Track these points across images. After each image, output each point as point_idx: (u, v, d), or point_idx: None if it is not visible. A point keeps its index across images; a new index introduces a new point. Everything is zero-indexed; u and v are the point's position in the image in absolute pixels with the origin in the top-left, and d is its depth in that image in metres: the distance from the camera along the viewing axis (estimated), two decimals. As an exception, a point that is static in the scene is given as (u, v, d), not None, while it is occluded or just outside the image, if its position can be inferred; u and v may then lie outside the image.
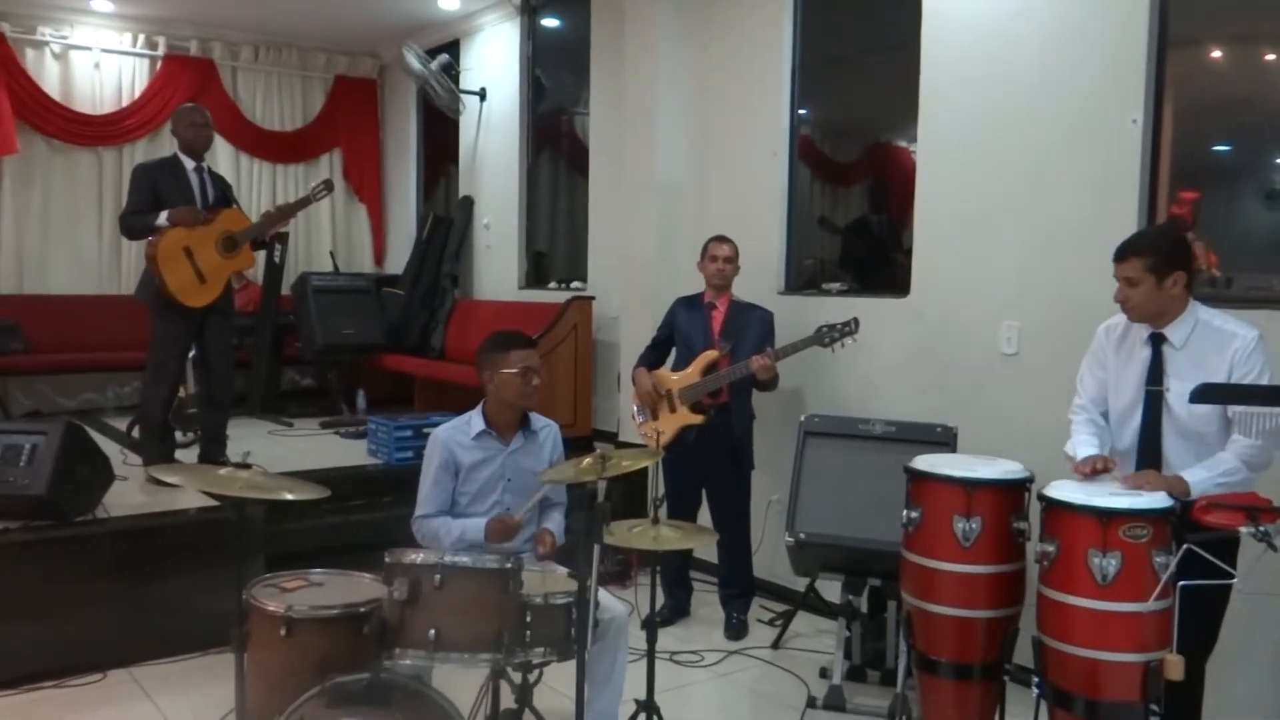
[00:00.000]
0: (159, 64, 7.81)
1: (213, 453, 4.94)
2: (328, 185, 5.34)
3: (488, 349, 3.26)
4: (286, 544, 4.33)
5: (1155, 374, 2.86)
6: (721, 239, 4.56)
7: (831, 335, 4.19)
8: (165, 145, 7.49)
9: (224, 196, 4.95)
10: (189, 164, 4.83)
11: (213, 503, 4.28)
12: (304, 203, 5.30)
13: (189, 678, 3.88)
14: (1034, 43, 3.92)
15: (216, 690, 3.48)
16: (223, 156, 8.07)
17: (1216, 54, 3.81)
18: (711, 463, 4.45)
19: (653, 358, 4.67)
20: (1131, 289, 2.81)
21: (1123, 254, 2.84)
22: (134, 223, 4.74)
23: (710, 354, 4.42)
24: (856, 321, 4.18)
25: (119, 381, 7.46)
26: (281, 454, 5.55)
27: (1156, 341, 2.87)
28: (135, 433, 5.39)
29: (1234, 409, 2.69)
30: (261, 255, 7.42)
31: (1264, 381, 2.73)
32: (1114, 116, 3.68)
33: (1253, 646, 3.22)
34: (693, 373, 4.45)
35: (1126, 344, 2.96)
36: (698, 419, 4.40)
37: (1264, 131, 3.73)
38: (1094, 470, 2.82)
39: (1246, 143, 3.80)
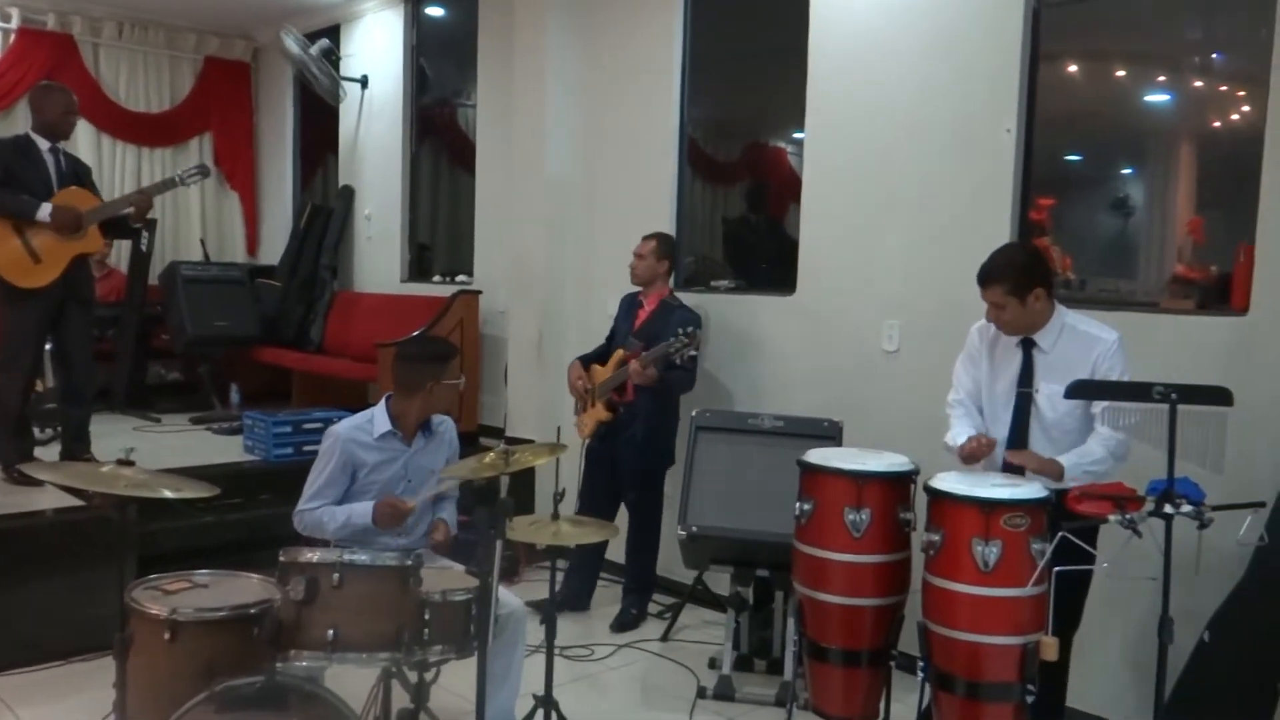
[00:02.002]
0: (13, 37, 7.32)
1: (76, 449, 4.69)
2: (202, 170, 5.09)
3: (428, 358, 3.20)
4: (161, 544, 4.14)
5: (1026, 376, 3.05)
6: (649, 236, 4.61)
7: (675, 346, 4.14)
8: (18, 123, 7.05)
9: (79, 180, 4.67)
10: (43, 144, 4.55)
11: (74, 502, 4.07)
12: (167, 184, 5.01)
13: (55, 686, 3.68)
14: (917, 50, 4.08)
15: (86, 698, 3.32)
16: (83, 138, 7.62)
17: (1072, 68, 4.03)
18: (621, 458, 4.49)
19: (602, 350, 4.68)
20: (999, 311, 3.01)
21: (983, 281, 3.01)
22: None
23: (620, 352, 4.47)
24: (695, 332, 4.16)
25: (-3, 369, 6.98)
26: (152, 450, 5.27)
27: (1027, 346, 3.06)
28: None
29: (1100, 405, 2.87)
30: (127, 243, 7.12)
31: (1124, 377, 2.92)
32: (990, 125, 3.86)
33: (1110, 626, 3.43)
34: (608, 369, 4.48)
35: (999, 346, 3.14)
36: (607, 416, 4.44)
37: (1112, 143, 3.98)
38: (978, 447, 2.98)
39: (1097, 153, 4.04)
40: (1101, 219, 4.01)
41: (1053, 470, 2.87)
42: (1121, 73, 4.00)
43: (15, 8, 7.29)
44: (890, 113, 4.16)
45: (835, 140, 4.37)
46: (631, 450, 4.45)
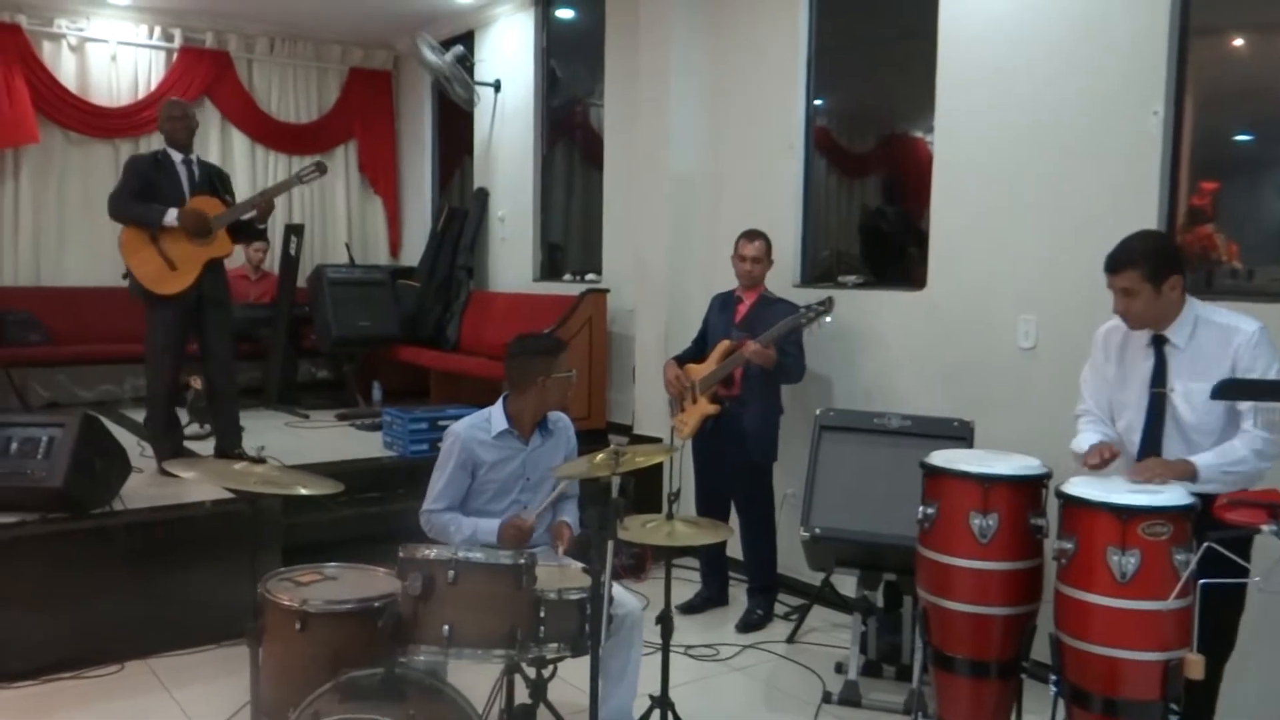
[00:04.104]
0: (175, 56, 7.82)
1: (227, 444, 4.96)
2: (319, 167, 5.23)
3: (537, 352, 3.22)
4: (302, 536, 4.34)
5: (1159, 376, 2.84)
6: (751, 235, 4.53)
7: (807, 315, 4.20)
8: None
9: (213, 187, 4.93)
10: (176, 157, 4.84)
11: (228, 494, 4.29)
12: (287, 184, 5.23)
13: (205, 670, 3.91)
14: (1053, 32, 3.88)
15: (232, 683, 3.50)
16: (238, 148, 8.10)
17: (1238, 42, 3.75)
18: (729, 454, 4.45)
19: (694, 351, 4.67)
20: (1130, 299, 2.79)
21: (1114, 266, 2.80)
22: (127, 206, 4.73)
23: (724, 343, 4.41)
24: (831, 300, 4.22)
25: (136, 373, 7.41)
26: (297, 446, 5.57)
27: (1159, 344, 2.85)
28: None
29: (1247, 404, 2.66)
30: (278, 247, 7.50)
31: (1273, 374, 2.70)
32: (1135, 108, 3.63)
33: (1269, 646, 3.18)
34: (710, 363, 4.45)
35: (1129, 347, 2.94)
36: (713, 410, 4.40)
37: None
38: (1100, 458, 2.80)
39: (1268, 132, 3.74)
40: (1273, 203, 3.72)
41: (1184, 472, 2.67)
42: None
43: (178, 28, 7.77)
44: (1025, 97, 3.97)
45: (967, 127, 4.20)
46: (740, 445, 4.41)
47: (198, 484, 4.41)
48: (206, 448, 5.34)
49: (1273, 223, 3.74)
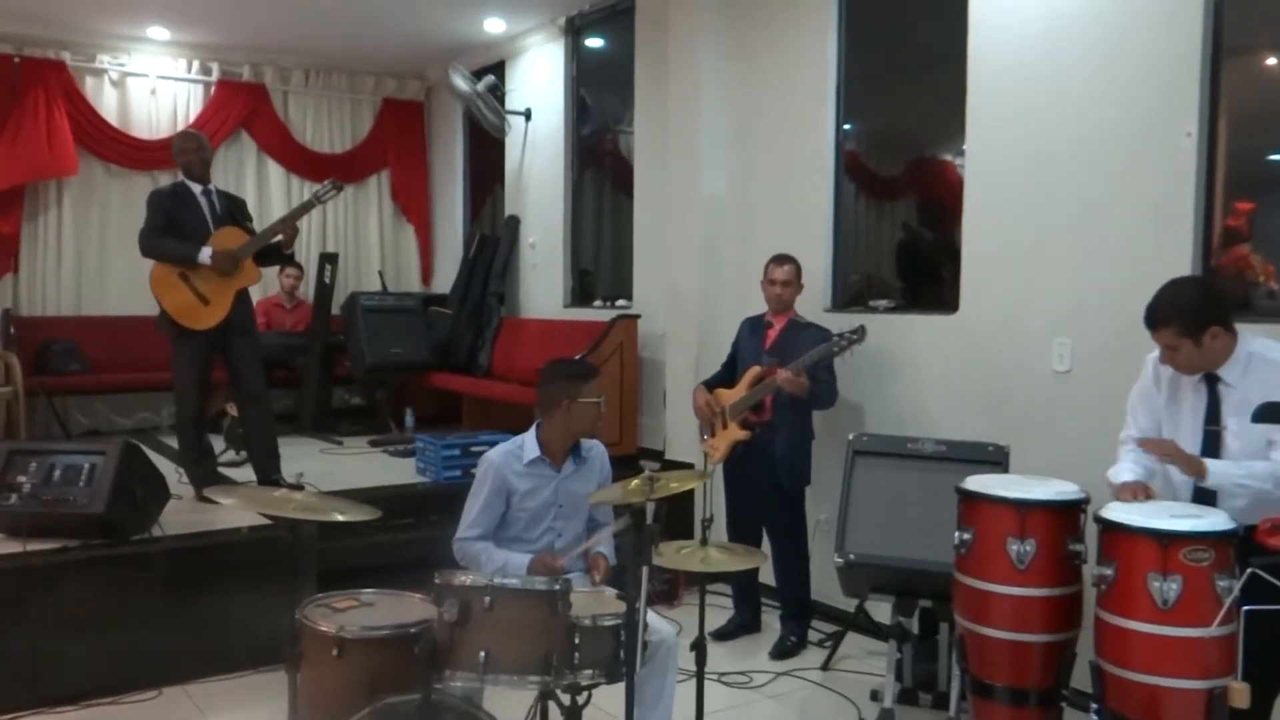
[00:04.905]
0: (213, 89, 7.98)
1: (266, 470, 5.01)
2: (336, 186, 5.27)
3: (564, 376, 3.23)
4: (338, 561, 4.37)
5: (1213, 414, 2.81)
6: (781, 260, 4.53)
7: (840, 344, 4.21)
8: (219, 170, 7.66)
9: (233, 216, 4.99)
10: (196, 189, 4.90)
11: (265, 521, 4.34)
12: (307, 207, 5.21)
13: (242, 696, 3.93)
14: (1084, 52, 3.87)
15: (268, 708, 3.52)
16: (274, 178, 8.23)
17: (1271, 61, 3.73)
18: (760, 480, 4.44)
19: (723, 376, 4.68)
20: (1173, 353, 2.79)
21: (1152, 324, 2.80)
22: (160, 243, 4.78)
23: (755, 369, 4.41)
24: (863, 329, 4.22)
25: (174, 401, 7.59)
26: (332, 472, 5.62)
27: (1211, 382, 2.82)
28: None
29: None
30: (312, 275, 7.60)
31: None
32: (1168, 129, 3.61)
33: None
34: (740, 389, 4.45)
35: (1181, 381, 2.90)
36: (744, 435, 4.39)
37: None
38: (1134, 498, 2.77)
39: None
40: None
41: (1194, 467, 2.65)
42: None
43: (215, 62, 7.93)
44: (1056, 119, 3.96)
45: (998, 150, 4.20)
46: (771, 471, 4.40)
47: (234, 510, 4.45)
48: (242, 474, 5.41)
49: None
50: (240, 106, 8.05)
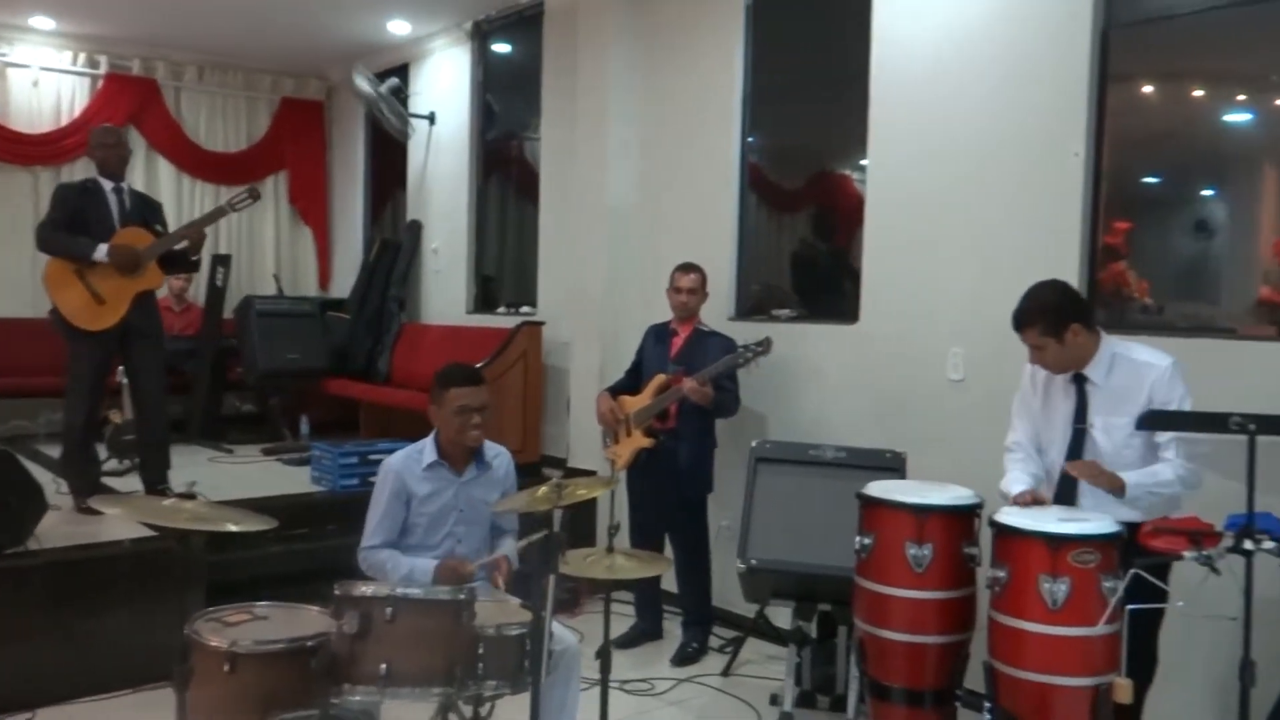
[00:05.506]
0: (100, 83, 7.66)
1: (153, 479, 4.81)
2: (253, 194, 5.11)
3: (434, 383, 3.21)
4: (229, 574, 4.21)
5: (1080, 412, 2.96)
6: (687, 268, 4.56)
7: (746, 355, 4.26)
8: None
9: (144, 217, 4.80)
10: (107, 185, 4.72)
11: (148, 532, 4.16)
12: (218, 214, 5.06)
13: (126, 715, 3.75)
14: (980, 74, 4.00)
15: (154, 728, 3.37)
16: (165, 178, 7.94)
17: (1147, 89, 3.92)
18: (664, 487, 4.45)
19: (627, 383, 4.68)
20: (1039, 353, 2.94)
21: (1017, 325, 2.96)
22: (56, 238, 4.58)
23: (660, 377, 4.43)
24: (769, 340, 4.27)
25: (51, 408, 7.15)
26: (223, 481, 5.42)
27: (1079, 381, 2.97)
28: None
29: (1167, 435, 2.77)
30: (203, 278, 7.34)
31: (1186, 406, 2.83)
32: (1057, 149, 3.77)
33: (1189, 669, 3.27)
34: (645, 397, 4.46)
35: (1053, 384, 3.05)
36: (648, 443, 4.41)
37: (1191, 164, 3.85)
38: (1030, 504, 2.88)
39: (1175, 175, 3.91)
40: (1181, 242, 3.88)
41: (1114, 484, 2.76)
42: (1199, 92, 3.88)
43: (103, 54, 7.62)
44: (953, 137, 4.09)
45: (898, 166, 4.31)
46: (674, 478, 4.42)
47: (116, 522, 4.27)
48: (126, 484, 5.19)
49: (1180, 262, 3.90)
50: (129, 102, 7.74)
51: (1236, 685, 2.42)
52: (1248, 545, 2.40)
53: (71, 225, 4.60)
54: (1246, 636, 2.40)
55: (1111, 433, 2.87)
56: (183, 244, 4.78)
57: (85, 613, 3.92)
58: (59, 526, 4.34)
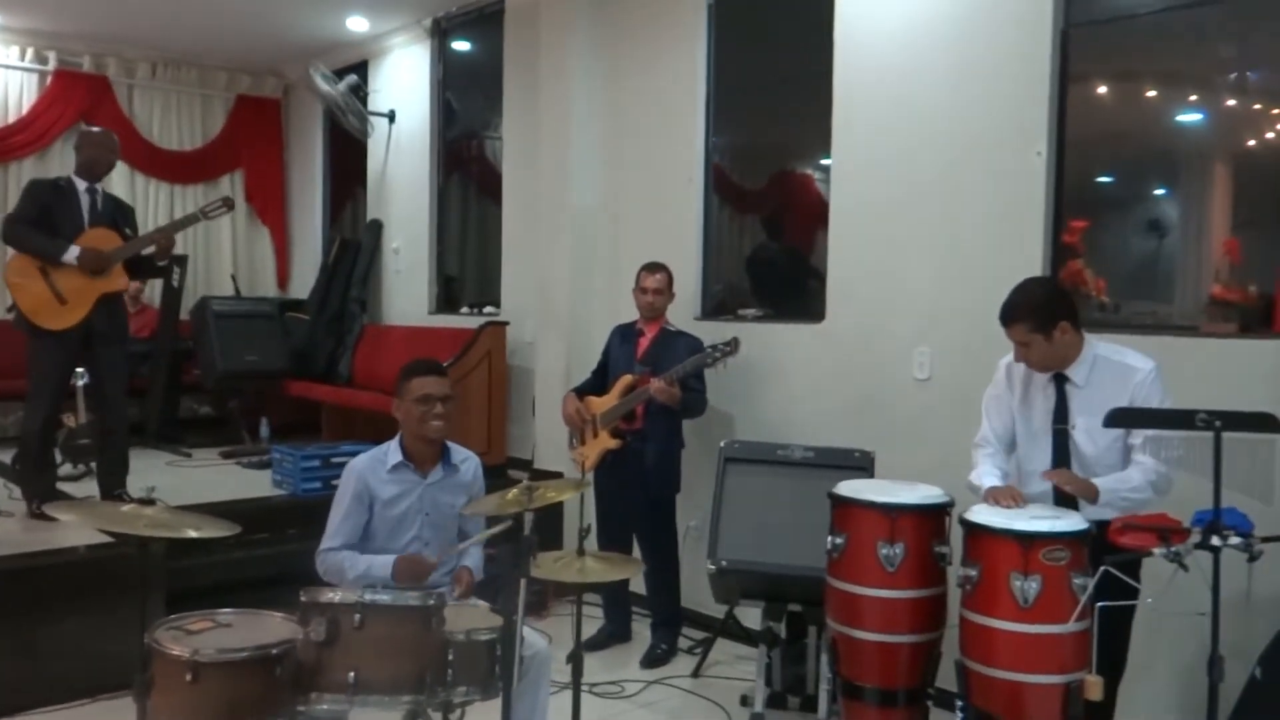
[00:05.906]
0: (49, 79, 7.48)
1: (111, 484, 4.70)
2: (227, 203, 5.02)
3: (398, 378, 3.17)
4: (189, 581, 4.14)
5: (1061, 413, 2.95)
6: (653, 268, 4.54)
7: (714, 355, 4.24)
8: (54, 165, 7.19)
9: (115, 221, 4.71)
10: (81, 185, 4.62)
11: (104, 538, 4.07)
12: (190, 220, 4.97)
13: (81, 726, 3.67)
14: (944, 73, 4.03)
15: (112, 739, 3.29)
16: (117, 176, 7.73)
17: (1102, 89, 3.96)
18: (631, 488, 4.43)
19: (594, 383, 4.64)
20: (1026, 350, 2.92)
21: (1005, 320, 2.93)
22: (26, 234, 4.48)
23: (626, 378, 4.40)
24: (737, 341, 4.25)
25: (2, 411, 7.06)
26: (181, 486, 5.31)
27: (1060, 381, 2.96)
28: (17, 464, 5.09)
29: (1141, 437, 2.78)
30: (160, 280, 7.19)
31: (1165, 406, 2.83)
32: (1020, 148, 3.79)
33: (1158, 664, 3.31)
34: (612, 397, 4.43)
35: (1032, 383, 3.04)
36: (615, 444, 4.38)
37: (1145, 164, 3.90)
38: (1012, 501, 2.87)
39: (1129, 174, 3.96)
40: (1136, 241, 3.93)
41: (1088, 492, 2.77)
42: (1152, 92, 3.93)
43: (52, 50, 7.44)
44: (918, 137, 4.11)
45: (862, 166, 4.32)
46: (642, 479, 4.41)
47: (69, 528, 4.16)
48: (81, 489, 5.06)
49: (1135, 260, 3.95)
50: (79, 99, 7.55)
51: (1203, 678, 2.44)
52: (1215, 541, 2.42)
53: (40, 223, 4.50)
54: (1215, 632, 2.42)
55: (1094, 435, 2.86)
56: (150, 249, 4.69)
57: (41, 622, 3.82)
58: (11, 533, 4.24)
